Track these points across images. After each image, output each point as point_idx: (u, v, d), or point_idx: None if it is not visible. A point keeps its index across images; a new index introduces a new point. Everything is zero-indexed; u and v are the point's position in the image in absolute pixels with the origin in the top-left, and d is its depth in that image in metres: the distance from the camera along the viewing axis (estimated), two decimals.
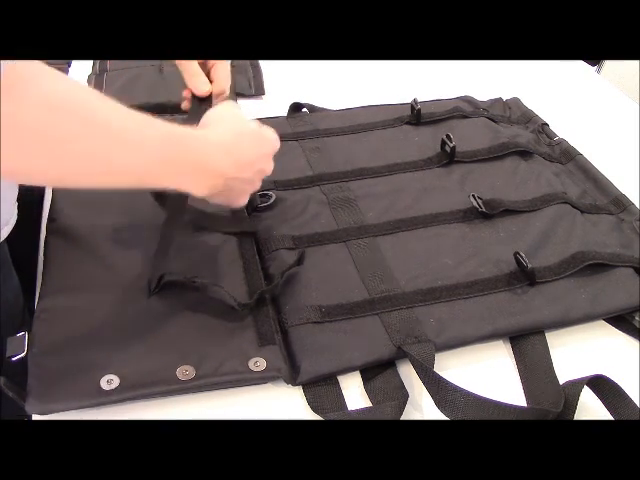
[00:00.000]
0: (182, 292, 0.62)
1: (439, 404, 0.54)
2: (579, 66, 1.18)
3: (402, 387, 0.58)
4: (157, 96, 0.93)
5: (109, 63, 1.04)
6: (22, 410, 0.53)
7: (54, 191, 0.73)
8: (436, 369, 0.56)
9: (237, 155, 0.59)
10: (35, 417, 0.53)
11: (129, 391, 0.53)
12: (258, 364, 0.56)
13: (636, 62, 1.63)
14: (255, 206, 0.75)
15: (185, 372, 0.55)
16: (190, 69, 0.68)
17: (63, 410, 0.52)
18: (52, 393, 0.52)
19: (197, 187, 0.56)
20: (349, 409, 0.56)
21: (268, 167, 0.66)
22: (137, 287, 0.62)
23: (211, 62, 0.69)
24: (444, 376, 0.55)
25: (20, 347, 0.55)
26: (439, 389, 0.54)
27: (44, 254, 0.66)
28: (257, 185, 0.65)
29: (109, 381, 0.53)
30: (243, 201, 0.65)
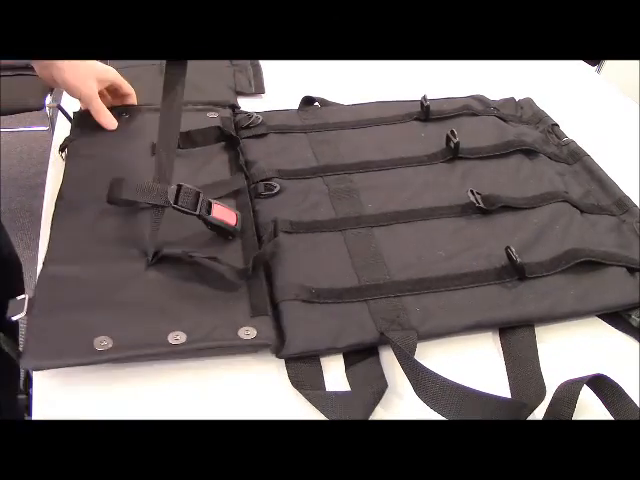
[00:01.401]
0: (179, 263, 0.64)
1: (417, 390, 0.55)
2: (579, 66, 1.18)
3: (382, 376, 0.59)
4: (158, 96, 0.93)
5: (109, 63, 1.04)
6: (22, 411, 0.54)
7: (65, 172, 0.76)
8: (422, 358, 0.57)
9: None
10: (35, 417, 0.54)
11: (120, 352, 0.55)
12: (248, 332, 0.58)
13: (636, 62, 1.63)
14: (258, 194, 0.76)
15: (176, 337, 0.56)
16: (94, 106, 0.81)
17: (56, 367, 0.55)
18: (46, 350, 0.54)
19: None
20: (327, 390, 0.57)
21: None
22: (137, 257, 0.64)
23: (114, 86, 0.86)
24: (430, 365, 0.55)
25: (20, 309, 0.58)
26: (417, 375, 0.55)
27: (51, 226, 0.68)
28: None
29: (102, 342, 0.55)
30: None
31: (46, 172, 0.83)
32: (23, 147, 2.22)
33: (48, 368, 0.55)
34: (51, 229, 0.68)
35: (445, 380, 0.54)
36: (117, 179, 0.68)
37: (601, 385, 0.56)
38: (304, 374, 0.58)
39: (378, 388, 0.57)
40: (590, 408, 0.57)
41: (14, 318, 0.57)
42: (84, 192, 0.72)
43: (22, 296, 0.59)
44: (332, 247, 0.70)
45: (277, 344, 0.59)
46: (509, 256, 0.67)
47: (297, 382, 0.58)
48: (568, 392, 0.56)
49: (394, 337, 0.59)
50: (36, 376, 0.57)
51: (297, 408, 0.56)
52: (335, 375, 0.59)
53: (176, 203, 0.66)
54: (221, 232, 0.69)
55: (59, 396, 0.56)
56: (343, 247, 0.70)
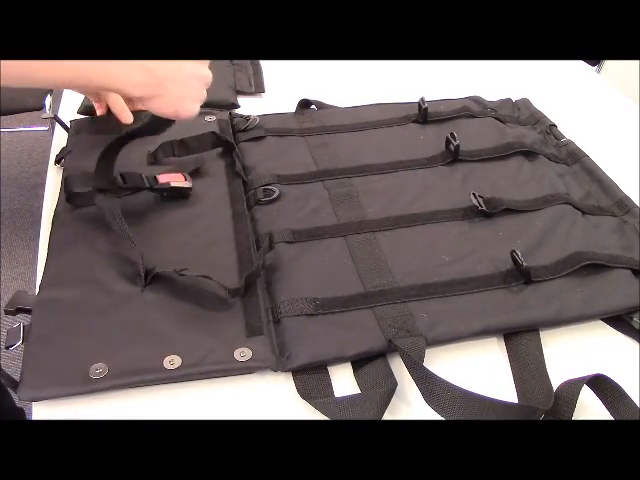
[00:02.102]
0: (174, 283, 0.63)
1: (427, 398, 0.54)
2: (579, 66, 1.18)
3: (391, 375, 0.58)
4: None
5: None
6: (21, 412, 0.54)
7: (61, 189, 0.76)
8: (429, 364, 0.57)
9: (159, 63, 0.64)
10: (35, 417, 0.54)
11: (116, 379, 0.55)
12: (244, 354, 0.57)
13: (636, 62, 1.63)
14: (258, 200, 0.76)
15: (171, 362, 0.56)
16: (118, 103, 0.81)
17: (52, 397, 0.54)
18: (43, 381, 0.54)
19: (127, 81, 0.60)
20: (337, 397, 0.57)
21: (204, 72, 0.68)
22: (132, 277, 0.64)
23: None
24: (436, 371, 0.55)
25: (17, 337, 0.58)
26: (427, 383, 0.54)
27: (48, 247, 0.68)
28: (202, 93, 0.67)
29: (97, 370, 0.55)
30: (190, 109, 0.66)
31: (46, 172, 0.83)
32: (23, 147, 2.22)
33: (45, 399, 0.55)
34: (48, 249, 0.68)
35: (456, 388, 0.54)
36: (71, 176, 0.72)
37: (601, 385, 0.56)
38: (312, 385, 0.58)
39: (388, 387, 0.56)
40: (590, 408, 0.57)
41: (11, 348, 0.57)
42: (79, 210, 0.73)
43: (17, 324, 0.59)
44: (335, 253, 0.70)
45: (278, 360, 0.58)
46: (514, 260, 0.67)
47: (305, 393, 0.57)
48: (568, 392, 0.56)
49: (402, 344, 0.58)
50: None
51: (307, 417, 0.56)
52: (344, 381, 0.59)
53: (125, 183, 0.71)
54: (177, 194, 0.74)
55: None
56: (346, 253, 0.70)
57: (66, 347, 0.57)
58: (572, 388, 0.56)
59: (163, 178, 0.74)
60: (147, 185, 0.73)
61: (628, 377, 0.60)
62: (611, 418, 0.56)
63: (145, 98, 0.63)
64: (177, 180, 0.74)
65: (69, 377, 0.55)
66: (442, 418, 0.54)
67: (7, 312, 0.60)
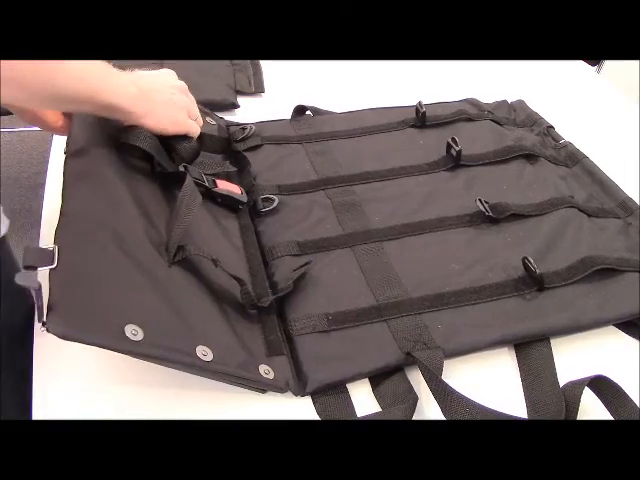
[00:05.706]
0: (200, 271, 0.60)
1: (446, 412, 0.54)
2: (579, 66, 1.18)
3: (411, 390, 0.57)
4: None
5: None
6: (22, 412, 0.52)
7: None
8: (443, 376, 0.56)
9: (138, 74, 0.65)
10: (35, 417, 0.54)
11: (152, 349, 0.49)
12: (267, 372, 0.56)
13: (636, 62, 1.63)
14: (258, 210, 0.75)
15: (204, 353, 0.52)
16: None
17: (83, 342, 0.46)
18: (76, 319, 0.47)
19: (124, 93, 0.60)
20: (358, 415, 0.56)
21: (178, 81, 0.70)
22: (157, 247, 0.58)
23: None
24: (448, 382, 0.54)
25: (48, 260, 0.48)
26: (446, 398, 0.53)
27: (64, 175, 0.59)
28: (184, 100, 0.69)
29: (134, 331, 0.48)
30: (182, 118, 0.67)
31: (46, 172, 0.82)
32: (23, 147, 2.21)
33: (74, 340, 0.46)
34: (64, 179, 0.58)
35: (474, 404, 0.53)
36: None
37: (602, 386, 0.56)
38: (332, 406, 0.56)
39: (409, 402, 0.55)
40: (591, 409, 0.57)
41: (41, 268, 0.47)
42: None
43: (50, 246, 0.49)
44: (344, 265, 0.68)
45: (297, 383, 0.57)
46: (526, 266, 0.66)
47: (326, 416, 0.56)
48: (570, 395, 0.56)
49: (421, 357, 0.57)
50: (36, 376, 0.57)
51: None
52: (363, 398, 0.58)
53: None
54: (231, 203, 0.73)
55: (59, 396, 0.55)
56: (355, 264, 0.68)
57: (100, 291, 0.50)
58: (574, 391, 0.56)
59: (221, 184, 0.73)
60: (207, 185, 0.70)
61: (630, 377, 0.60)
62: (611, 418, 0.56)
63: (139, 115, 0.62)
64: (234, 191, 0.74)
65: (105, 327, 0.47)
66: None
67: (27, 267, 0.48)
